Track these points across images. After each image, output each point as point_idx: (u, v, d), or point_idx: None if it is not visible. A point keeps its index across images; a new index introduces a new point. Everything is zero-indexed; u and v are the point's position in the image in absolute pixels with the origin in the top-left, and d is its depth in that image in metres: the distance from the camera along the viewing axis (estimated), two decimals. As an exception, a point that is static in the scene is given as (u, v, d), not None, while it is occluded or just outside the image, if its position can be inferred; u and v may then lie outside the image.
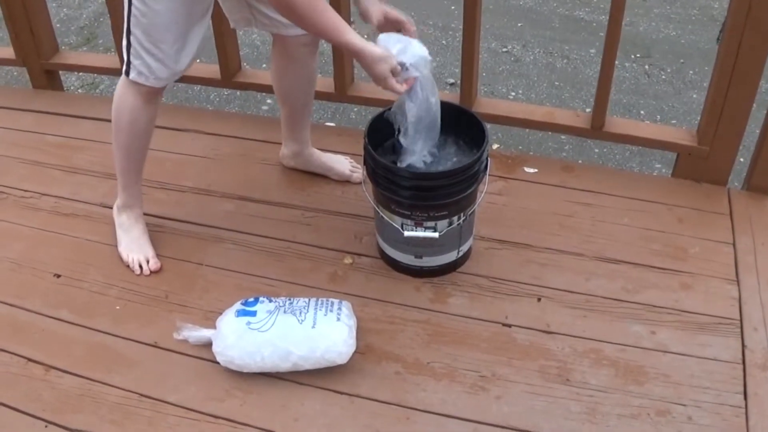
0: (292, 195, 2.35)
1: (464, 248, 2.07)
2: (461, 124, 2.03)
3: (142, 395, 1.85)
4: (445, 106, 2.02)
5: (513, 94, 4.02)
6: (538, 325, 1.95)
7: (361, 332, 1.93)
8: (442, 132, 2.00)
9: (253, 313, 1.85)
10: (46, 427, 1.79)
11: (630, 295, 2.01)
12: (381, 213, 1.99)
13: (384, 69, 1.77)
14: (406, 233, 1.95)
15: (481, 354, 1.89)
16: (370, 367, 1.87)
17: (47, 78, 2.89)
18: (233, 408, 1.81)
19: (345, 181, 2.37)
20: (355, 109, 3.60)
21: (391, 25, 1.88)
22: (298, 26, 1.79)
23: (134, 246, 2.15)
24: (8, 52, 2.90)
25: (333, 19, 1.72)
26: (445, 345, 1.92)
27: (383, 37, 1.83)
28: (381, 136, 1.98)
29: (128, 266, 2.13)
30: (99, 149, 2.56)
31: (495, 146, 3.13)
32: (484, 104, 2.46)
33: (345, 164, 2.39)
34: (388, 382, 1.84)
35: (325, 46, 2.17)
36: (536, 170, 2.39)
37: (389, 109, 1.93)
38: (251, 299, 1.90)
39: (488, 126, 1.98)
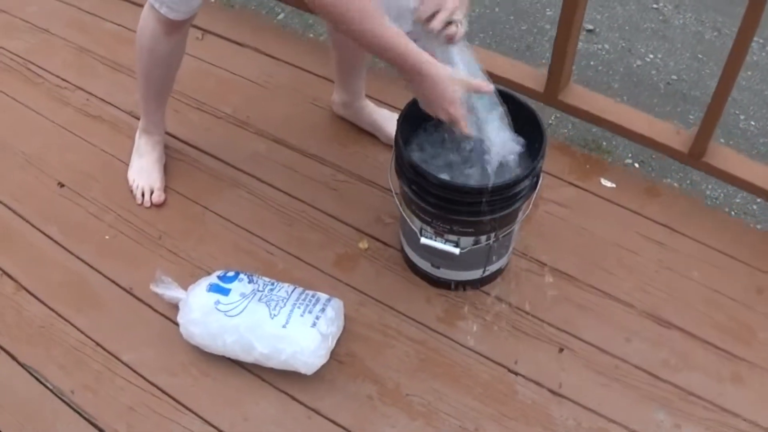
0: (331, 149, 2.08)
1: (493, 267, 1.77)
2: (521, 120, 1.67)
3: (98, 344, 1.72)
4: (507, 98, 1.68)
5: (651, 56, 3.53)
6: (549, 382, 1.65)
7: (346, 336, 1.70)
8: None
9: (226, 292, 1.64)
10: (-2, 353, 1.71)
11: (669, 371, 1.67)
12: (401, 209, 1.71)
13: (457, 93, 1.42)
14: (423, 240, 1.67)
15: (472, 400, 1.63)
16: (342, 380, 1.65)
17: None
18: (184, 387, 1.65)
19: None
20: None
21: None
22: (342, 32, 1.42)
23: (143, 173, 1.97)
24: None
25: (386, 25, 1.36)
26: (434, 377, 1.66)
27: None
28: (419, 118, 1.66)
29: (132, 192, 1.96)
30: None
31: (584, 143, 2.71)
32: (575, 94, 2.06)
33: (399, 126, 2.08)
34: (355, 405, 1.62)
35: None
36: (615, 185, 2.02)
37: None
38: (231, 273, 1.69)
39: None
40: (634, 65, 3.34)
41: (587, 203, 1.99)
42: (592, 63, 3.32)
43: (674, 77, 3.28)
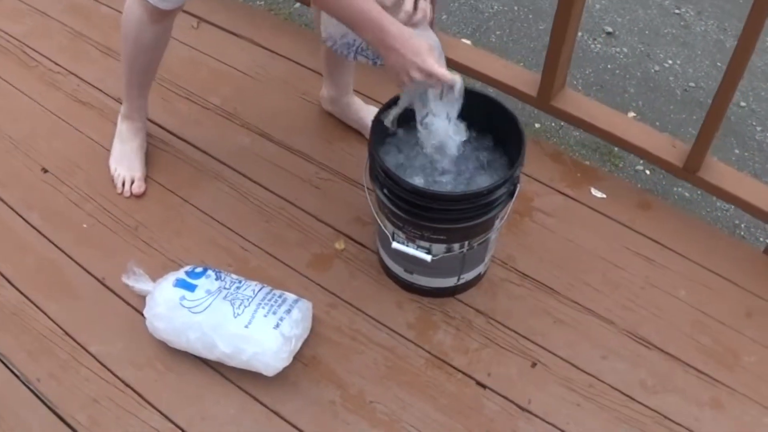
0: (316, 146, 2.04)
1: (468, 276, 1.72)
2: (500, 123, 1.62)
3: (67, 333, 1.70)
4: (490, 103, 1.64)
5: (670, 62, 3.43)
6: (518, 397, 1.60)
7: (314, 338, 1.67)
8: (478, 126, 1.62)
9: (192, 288, 1.61)
10: (-32, 336, 1.70)
11: (645, 394, 1.61)
12: (373, 211, 1.66)
13: (423, 44, 1.39)
14: (394, 245, 1.62)
15: (436, 411, 1.58)
16: (306, 384, 1.62)
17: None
18: (147, 381, 1.63)
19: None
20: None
21: None
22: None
23: (125, 161, 1.95)
24: None
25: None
26: (400, 386, 1.62)
27: None
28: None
29: (113, 180, 1.95)
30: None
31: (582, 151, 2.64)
32: (568, 100, 1.99)
33: (386, 125, 2.04)
34: (317, 409, 1.59)
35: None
36: (605, 196, 1.96)
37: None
38: (199, 269, 1.66)
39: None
40: (652, 70, 3.26)
41: (575, 213, 1.93)
42: (609, 66, 3.24)
43: (692, 84, 3.20)
